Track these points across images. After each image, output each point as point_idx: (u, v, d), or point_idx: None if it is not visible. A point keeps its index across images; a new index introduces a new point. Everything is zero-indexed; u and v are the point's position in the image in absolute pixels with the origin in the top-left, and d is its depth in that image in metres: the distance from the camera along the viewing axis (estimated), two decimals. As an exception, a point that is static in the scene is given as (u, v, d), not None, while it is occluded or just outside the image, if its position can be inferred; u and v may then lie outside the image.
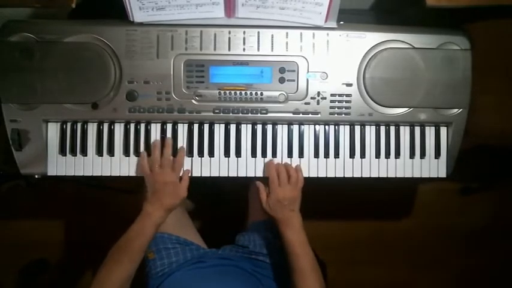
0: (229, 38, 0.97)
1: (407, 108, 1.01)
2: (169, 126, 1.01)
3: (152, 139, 1.01)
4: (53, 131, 1.00)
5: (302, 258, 0.92)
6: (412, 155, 1.04)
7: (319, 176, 1.03)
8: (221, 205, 1.66)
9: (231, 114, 0.99)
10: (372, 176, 1.04)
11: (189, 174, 1.00)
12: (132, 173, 1.02)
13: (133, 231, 0.92)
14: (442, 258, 1.75)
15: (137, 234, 0.92)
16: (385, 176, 1.04)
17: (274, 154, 1.02)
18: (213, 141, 1.02)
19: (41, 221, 1.69)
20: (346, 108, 1.00)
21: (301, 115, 1.00)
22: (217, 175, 1.02)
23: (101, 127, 1.00)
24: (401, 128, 1.04)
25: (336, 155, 1.03)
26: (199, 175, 1.02)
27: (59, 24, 0.97)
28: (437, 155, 1.04)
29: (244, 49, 0.98)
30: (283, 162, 1.01)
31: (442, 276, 1.76)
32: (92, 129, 1.01)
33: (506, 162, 1.57)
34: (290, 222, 0.95)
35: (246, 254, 1.11)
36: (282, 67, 0.98)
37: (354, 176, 1.03)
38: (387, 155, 1.04)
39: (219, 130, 1.02)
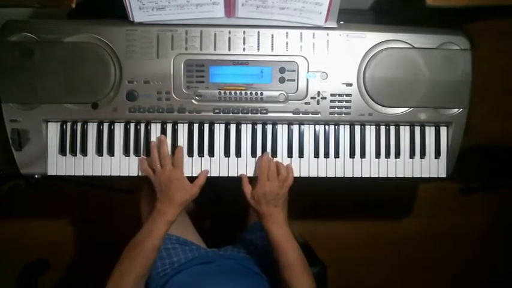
0: (229, 38, 0.97)
1: (407, 108, 1.01)
2: (169, 126, 1.01)
3: (152, 139, 1.01)
4: (53, 131, 1.00)
5: (289, 252, 0.93)
6: (412, 155, 1.04)
7: (319, 176, 1.03)
8: (221, 205, 1.65)
9: (231, 114, 0.99)
10: (372, 176, 1.04)
11: (206, 174, 1.01)
12: (132, 173, 1.01)
13: (146, 230, 0.93)
14: (442, 258, 1.75)
15: (150, 233, 0.92)
16: (385, 176, 1.04)
17: (274, 154, 1.02)
18: (213, 141, 1.02)
19: (41, 221, 1.69)
20: (346, 108, 1.00)
21: (301, 115, 1.00)
22: (217, 175, 1.02)
23: (101, 127, 1.00)
24: (401, 128, 1.04)
25: (336, 155, 1.03)
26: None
27: (59, 24, 0.97)
28: (437, 155, 1.04)
29: (244, 49, 0.98)
30: (275, 161, 1.01)
31: (442, 276, 1.76)
32: (92, 129, 1.01)
33: (506, 162, 1.57)
34: (273, 216, 0.95)
35: (248, 254, 1.11)
36: (282, 67, 0.98)
37: (354, 176, 1.03)
38: (387, 155, 1.04)
39: (219, 130, 1.02)
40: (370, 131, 1.04)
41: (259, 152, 1.02)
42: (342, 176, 1.03)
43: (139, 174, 1.01)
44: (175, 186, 0.95)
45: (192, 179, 1.00)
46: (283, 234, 0.94)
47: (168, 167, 0.97)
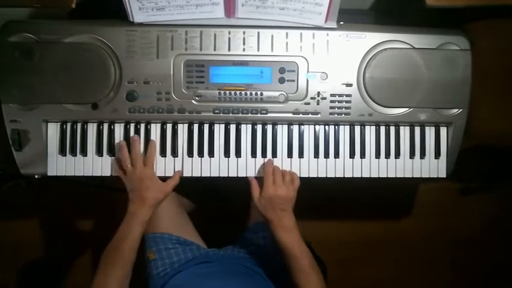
0: (229, 38, 0.97)
1: (407, 108, 1.01)
2: (169, 127, 1.01)
3: (152, 139, 1.01)
4: (53, 131, 1.00)
5: (300, 258, 0.91)
6: (412, 155, 1.04)
7: (319, 176, 1.03)
8: (221, 205, 1.65)
9: (231, 114, 0.99)
10: (371, 176, 1.04)
11: (180, 175, 1.00)
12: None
13: (121, 232, 0.92)
14: (441, 257, 1.75)
15: (125, 235, 0.91)
16: (385, 176, 1.04)
17: (274, 154, 1.02)
18: (213, 141, 1.02)
19: (41, 221, 1.69)
20: (346, 108, 1.00)
21: (301, 115, 1.00)
22: (217, 175, 1.02)
23: (101, 127, 1.00)
24: (401, 128, 1.04)
25: (336, 155, 1.03)
26: (199, 175, 1.02)
27: (59, 24, 0.97)
28: (437, 155, 1.04)
29: (244, 49, 0.98)
30: (282, 166, 1.01)
31: (441, 276, 1.76)
32: (92, 129, 1.01)
33: (506, 162, 1.57)
34: (281, 222, 0.93)
35: (249, 254, 1.11)
36: (281, 67, 0.98)
37: (354, 176, 1.03)
38: (387, 155, 1.04)
39: (219, 130, 1.02)
40: (370, 131, 1.04)
41: (259, 152, 1.02)
42: (342, 176, 1.03)
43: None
44: (147, 186, 0.95)
45: (191, 179, 1.00)
46: (293, 239, 0.92)
47: (139, 166, 0.96)
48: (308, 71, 0.99)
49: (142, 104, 0.98)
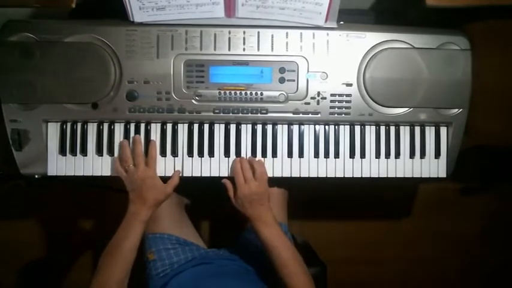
0: (229, 38, 0.97)
1: (407, 108, 1.01)
2: (169, 126, 1.01)
3: (152, 139, 1.01)
4: (53, 131, 1.00)
5: (281, 249, 0.92)
6: (412, 155, 1.04)
7: (319, 176, 1.03)
8: (221, 205, 1.65)
9: (231, 114, 0.99)
10: (372, 176, 1.04)
11: (180, 175, 1.00)
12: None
13: (121, 232, 0.92)
14: (441, 258, 1.75)
15: (126, 235, 0.91)
16: (385, 176, 1.04)
17: (274, 154, 1.02)
18: (213, 141, 1.02)
19: (41, 221, 1.69)
20: (346, 108, 1.00)
21: (301, 115, 1.00)
22: (218, 175, 1.02)
23: (101, 127, 1.00)
24: (401, 128, 1.04)
25: (336, 155, 1.03)
26: (199, 175, 1.02)
27: (59, 24, 0.97)
28: (437, 155, 1.04)
29: (244, 49, 0.98)
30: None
31: (441, 275, 1.76)
32: (92, 129, 1.01)
33: (506, 162, 1.57)
34: (262, 217, 0.94)
35: (248, 254, 1.11)
36: (282, 67, 0.98)
37: (354, 176, 1.03)
38: (387, 155, 1.04)
39: (219, 130, 1.02)
40: (370, 131, 1.04)
41: (259, 152, 1.02)
42: (342, 176, 1.03)
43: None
44: (148, 186, 0.94)
45: (189, 179, 1.00)
46: (274, 233, 0.93)
47: (141, 166, 0.96)
48: (308, 71, 0.99)
49: (142, 104, 0.98)
